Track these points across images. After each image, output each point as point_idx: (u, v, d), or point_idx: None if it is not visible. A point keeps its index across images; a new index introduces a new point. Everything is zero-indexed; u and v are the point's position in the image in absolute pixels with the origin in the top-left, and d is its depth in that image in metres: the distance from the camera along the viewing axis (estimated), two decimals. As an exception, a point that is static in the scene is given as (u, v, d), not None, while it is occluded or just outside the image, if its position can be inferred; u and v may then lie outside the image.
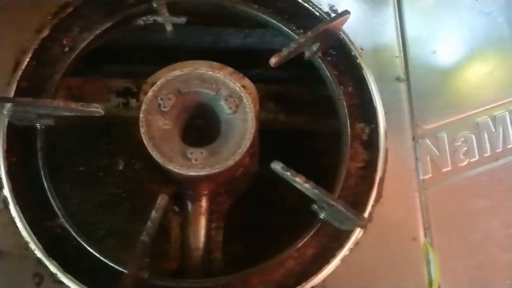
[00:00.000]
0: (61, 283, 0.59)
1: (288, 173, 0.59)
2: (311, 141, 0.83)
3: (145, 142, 0.64)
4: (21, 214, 0.61)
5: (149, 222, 0.57)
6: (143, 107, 0.66)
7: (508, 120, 0.72)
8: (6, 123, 0.64)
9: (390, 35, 0.75)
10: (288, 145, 0.80)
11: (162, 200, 0.58)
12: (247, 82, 0.75)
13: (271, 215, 0.81)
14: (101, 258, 0.60)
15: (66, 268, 0.59)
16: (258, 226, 0.79)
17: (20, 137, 0.65)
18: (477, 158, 0.69)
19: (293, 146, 0.82)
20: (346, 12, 0.68)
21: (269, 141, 0.73)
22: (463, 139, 0.70)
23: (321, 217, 0.63)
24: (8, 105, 0.60)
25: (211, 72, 0.69)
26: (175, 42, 0.88)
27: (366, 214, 0.64)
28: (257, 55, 0.95)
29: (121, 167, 0.91)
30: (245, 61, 0.86)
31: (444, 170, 0.68)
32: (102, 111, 0.61)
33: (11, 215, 0.61)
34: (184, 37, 0.92)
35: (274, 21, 0.75)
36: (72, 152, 0.90)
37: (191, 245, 0.68)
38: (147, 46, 0.92)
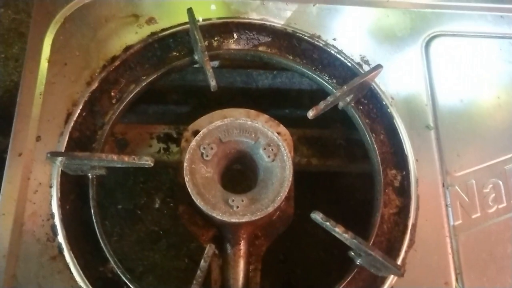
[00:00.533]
0: (113, 326, 0.62)
1: (328, 223, 0.62)
2: (344, 183, 0.86)
3: (189, 189, 0.68)
4: (75, 260, 0.65)
5: (198, 272, 0.60)
6: (187, 157, 0.69)
7: (535, 167, 0.74)
8: (60, 173, 0.68)
9: (419, 84, 0.78)
10: (321, 187, 0.83)
11: (210, 250, 0.61)
12: (282, 129, 0.78)
13: (305, 255, 0.83)
14: (151, 303, 0.64)
15: (118, 312, 0.63)
16: (294, 263, 0.82)
17: (73, 186, 0.70)
18: (505, 205, 0.72)
19: (326, 188, 0.84)
20: (379, 66, 0.71)
21: (303, 183, 0.76)
22: (491, 185, 0.73)
23: (358, 263, 0.66)
24: (61, 159, 0.64)
25: (250, 122, 0.72)
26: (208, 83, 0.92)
27: (400, 260, 0.67)
28: (286, 94, 0.99)
29: (157, 205, 0.95)
30: (274, 100, 0.90)
31: (474, 216, 0.71)
32: (151, 163, 0.65)
33: (65, 261, 0.65)
34: (218, 79, 0.96)
35: (308, 72, 0.79)
36: (111, 191, 0.94)
37: (231, 286, 0.71)
38: (183, 86, 0.96)
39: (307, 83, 0.97)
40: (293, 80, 0.99)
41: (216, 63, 0.93)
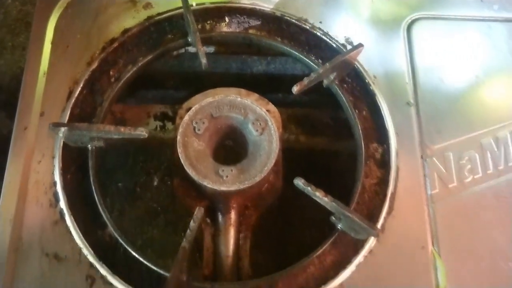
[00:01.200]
0: (111, 284, 0.67)
1: (309, 188, 0.67)
2: (330, 161, 0.90)
3: (182, 161, 0.72)
4: (75, 224, 0.70)
5: (188, 231, 0.65)
6: (180, 130, 0.74)
7: (510, 141, 0.78)
8: (62, 145, 0.73)
9: (400, 64, 0.82)
10: (309, 164, 0.88)
11: (199, 211, 0.66)
12: (271, 107, 0.83)
13: (294, 229, 0.88)
14: (146, 263, 0.68)
15: (115, 271, 0.67)
16: (283, 238, 0.86)
17: (74, 157, 0.75)
18: (480, 175, 0.76)
19: (314, 165, 0.89)
20: (360, 45, 0.76)
21: (292, 160, 0.81)
22: (467, 158, 0.77)
23: (339, 227, 0.70)
24: (64, 129, 0.69)
25: (240, 99, 0.77)
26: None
27: (379, 225, 0.71)
28: (279, 80, 1.03)
29: (156, 184, 0.99)
30: (268, 86, 0.94)
31: (450, 186, 0.75)
32: (146, 134, 0.70)
33: (66, 225, 0.70)
34: (213, 65, 1.01)
35: (296, 52, 0.84)
36: (112, 170, 0.99)
37: (222, 253, 0.76)
38: (180, 73, 1.01)
39: (300, 68, 1.01)
40: (286, 66, 1.03)
41: (212, 49, 0.98)
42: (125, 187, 0.99)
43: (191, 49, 0.92)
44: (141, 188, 1.00)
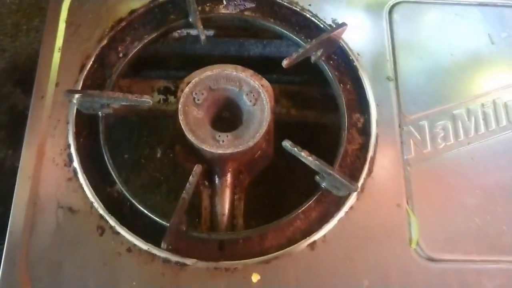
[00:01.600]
0: (118, 233, 0.75)
1: (295, 149, 0.75)
2: (318, 132, 0.98)
3: (182, 127, 0.80)
4: (87, 181, 0.78)
5: (188, 184, 0.73)
6: (181, 100, 0.82)
7: (480, 112, 0.86)
8: (75, 112, 0.82)
9: (382, 43, 0.90)
10: (299, 135, 0.95)
11: (197, 168, 0.74)
12: (264, 82, 0.91)
13: (283, 191, 0.96)
14: (150, 214, 0.77)
15: (122, 222, 0.76)
16: (273, 199, 0.95)
17: (85, 123, 0.83)
18: (452, 142, 0.84)
19: (304, 136, 0.96)
20: (344, 24, 0.84)
21: (283, 132, 0.89)
22: (441, 127, 0.85)
23: (322, 186, 0.79)
24: (77, 96, 0.78)
25: (235, 73, 0.85)
26: (205, 51, 1.05)
27: (359, 185, 0.79)
28: (274, 62, 1.11)
29: (159, 156, 1.08)
30: (264, 68, 1.02)
31: (424, 151, 0.83)
32: (151, 101, 0.78)
33: (79, 182, 0.78)
34: (212, 47, 1.09)
35: (287, 32, 0.92)
36: (119, 143, 1.08)
37: (218, 212, 0.84)
38: (182, 55, 1.09)
39: (293, 51, 1.09)
40: (281, 49, 1.11)
41: (211, 33, 1.06)
42: (131, 159, 1.08)
43: (193, 31, 0.99)
44: (145, 159, 1.09)
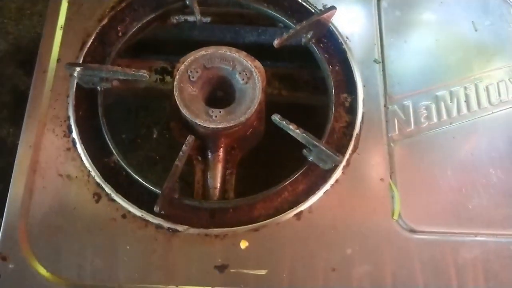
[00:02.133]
0: (114, 200, 0.79)
1: (284, 122, 0.79)
2: (308, 112, 1.02)
3: (177, 102, 0.84)
4: (85, 151, 0.82)
5: (181, 153, 0.77)
6: (176, 77, 0.85)
7: (462, 94, 0.90)
8: (75, 86, 0.86)
9: (370, 27, 0.94)
10: (289, 115, 0.99)
11: (190, 138, 0.78)
12: (257, 63, 0.94)
13: (273, 167, 0.99)
14: (144, 183, 0.80)
15: (118, 190, 0.79)
16: (263, 175, 0.98)
17: (85, 97, 0.87)
18: (435, 121, 0.88)
19: (294, 116, 1.00)
20: (333, 8, 0.88)
21: (275, 111, 0.92)
22: (424, 107, 0.89)
23: (310, 159, 0.82)
24: (78, 69, 0.82)
25: (229, 53, 0.89)
26: (202, 38, 1.09)
27: (345, 160, 0.83)
28: (268, 49, 1.15)
29: (154, 136, 1.12)
30: (258, 54, 1.06)
31: (408, 129, 0.87)
32: (147, 76, 0.82)
33: (78, 152, 0.82)
34: (209, 34, 1.13)
35: (279, 16, 0.96)
36: (117, 124, 1.11)
37: (210, 185, 0.87)
38: (179, 40, 1.13)
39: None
40: (275, 37, 1.14)
41: (208, 19, 1.10)
42: (128, 138, 1.12)
43: (190, 18, 1.03)
44: (142, 139, 1.12)
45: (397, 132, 0.86)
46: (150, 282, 0.75)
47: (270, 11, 0.96)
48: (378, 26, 0.95)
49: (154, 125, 1.13)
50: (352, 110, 0.88)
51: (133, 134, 1.12)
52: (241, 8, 0.98)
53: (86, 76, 0.83)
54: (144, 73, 0.81)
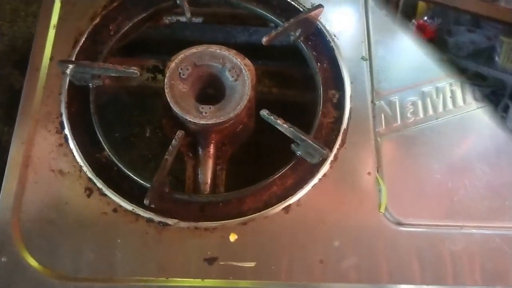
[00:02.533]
0: (105, 195, 0.80)
1: (272, 117, 0.80)
2: (298, 109, 1.03)
3: (168, 99, 0.85)
4: (77, 147, 0.83)
5: (170, 147, 0.78)
6: (167, 74, 0.87)
7: (448, 90, 0.92)
8: (68, 82, 0.87)
9: (358, 26, 0.96)
10: (279, 114, 1.01)
11: (179, 133, 0.80)
12: (247, 61, 0.96)
13: (262, 163, 1.01)
14: (135, 177, 0.82)
15: (109, 185, 0.81)
16: (253, 170, 0.99)
17: (77, 94, 0.88)
18: (421, 117, 0.89)
19: (284, 115, 1.02)
20: (320, 6, 0.90)
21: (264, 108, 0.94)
22: (410, 102, 0.90)
23: (298, 154, 0.84)
24: (70, 66, 0.83)
25: (219, 51, 0.90)
26: (194, 38, 1.11)
27: (332, 155, 0.85)
28: (259, 49, 1.16)
29: (148, 134, 1.13)
30: (249, 54, 1.07)
31: (394, 124, 0.88)
32: (138, 73, 0.84)
33: (70, 148, 0.83)
34: (201, 35, 1.14)
35: (268, 15, 0.97)
36: (110, 123, 1.13)
37: (201, 181, 0.88)
38: (171, 40, 1.14)
39: (278, 40, 1.15)
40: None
41: (200, 20, 1.12)
42: (121, 137, 1.13)
43: (182, 18, 1.05)
44: (135, 138, 1.14)
45: (384, 127, 0.88)
46: (141, 274, 0.76)
47: (260, 10, 0.98)
48: (365, 24, 0.96)
49: (147, 124, 1.14)
50: (339, 106, 0.90)
51: (126, 132, 1.13)
52: (231, 7, 1.00)
53: (78, 74, 0.84)
54: (135, 70, 0.83)
